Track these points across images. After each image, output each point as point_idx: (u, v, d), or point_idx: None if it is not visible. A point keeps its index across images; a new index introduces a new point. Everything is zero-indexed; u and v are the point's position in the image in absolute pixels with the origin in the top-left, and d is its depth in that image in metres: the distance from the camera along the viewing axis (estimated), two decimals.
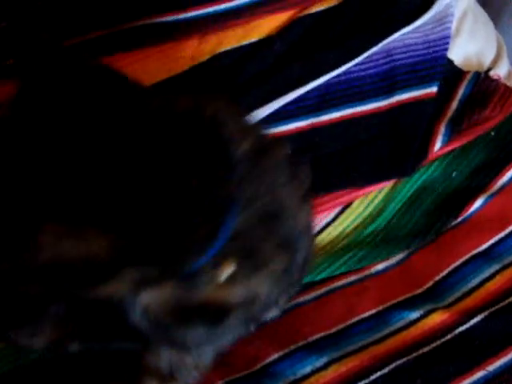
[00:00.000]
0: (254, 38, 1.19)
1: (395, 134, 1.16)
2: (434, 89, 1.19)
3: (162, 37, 1.14)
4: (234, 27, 1.19)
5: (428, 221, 1.10)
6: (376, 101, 1.18)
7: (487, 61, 1.28)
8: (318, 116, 1.15)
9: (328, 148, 1.13)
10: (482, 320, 0.98)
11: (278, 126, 1.12)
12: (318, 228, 1.09)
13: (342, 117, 1.16)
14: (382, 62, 1.21)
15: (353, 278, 1.05)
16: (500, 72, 1.28)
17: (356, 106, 1.17)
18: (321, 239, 1.08)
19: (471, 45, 1.28)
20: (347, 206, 1.11)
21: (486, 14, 1.39)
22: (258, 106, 1.12)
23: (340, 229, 1.10)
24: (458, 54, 1.26)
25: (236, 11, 1.19)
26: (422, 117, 1.17)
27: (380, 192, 1.12)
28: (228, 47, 1.17)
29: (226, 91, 1.14)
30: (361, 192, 1.11)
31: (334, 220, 1.10)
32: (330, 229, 1.09)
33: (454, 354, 0.95)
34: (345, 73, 1.18)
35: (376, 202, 1.11)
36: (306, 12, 1.23)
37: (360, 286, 1.03)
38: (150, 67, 1.13)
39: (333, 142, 1.14)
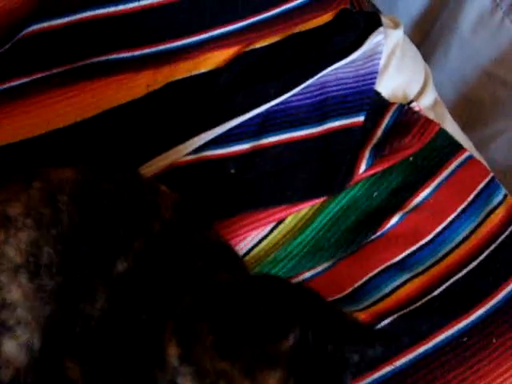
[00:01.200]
0: (203, 70, 1.29)
1: (326, 157, 1.26)
2: (362, 118, 1.30)
3: (121, 68, 1.23)
4: (185, 61, 1.28)
5: (351, 234, 1.20)
6: (310, 127, 1.28)
7: (412, 93, 1.40)
8: (258, 140, 1.25)
9: (267, 168, 1.23)
10: (392, 321, 1.10)
11: (223, 147, 1.23)
12: (253, 242, 1.18)
13: (279, 140, 1.26)
14: (316, 93, 1.31)
15: None
16: (425, 101, 1.40)
17: (292, 131, 1.27)
18: (255, 252, 1.18)
19: (398, 79, 1.39)
20: (281, 221, 1.21)
21: (414, 48, 1.51)
22: (205, 130, 1.22)
23: (273, 241, 1.20)
24: (386, 87, 1.37)
25: (187, 48, 1.28)
26: (350, 143, 1.27)
27: (310, 208, 1.22)
28: (180, 77, 1.27)
29: (177, 116, 1.24)
30: (294, 208, 1.21)
31: (268, 235, 1.20)
32: (264, 242, 1.20)
33: None
34: (283, 102, 1.28)
35: (306, 216, 1.22)
36: (250, 47, 1.34)
37: None
38: (110, 93, 1.23)
39: (271, 162, 1.24)
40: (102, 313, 0.98)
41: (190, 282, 0.97)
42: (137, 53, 1.24)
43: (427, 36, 1.75)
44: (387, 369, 1.06)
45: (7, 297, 0.96)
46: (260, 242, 1.19)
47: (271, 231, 1.21)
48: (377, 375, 1.06)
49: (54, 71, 1.19)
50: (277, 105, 1.28)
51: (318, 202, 1.23)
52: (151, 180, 1.17)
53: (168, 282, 0.98)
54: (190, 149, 1.22)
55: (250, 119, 1.26)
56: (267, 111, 1.27)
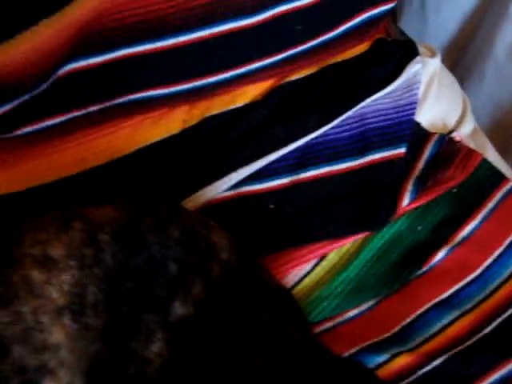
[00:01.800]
0: (239, 104, 1.28)
1: (367, 191, 1.23)
2: (403, 150, 1.27)
3: (157, 105, 1.22)
4: (222, 95, 1.27)
5: (395, 271, 1.17)
6: (350, 160, 1.26)
7: (452, 122, 1.37)
8: (297, 174, 1.23)
9: (307, 203, 1.21)
10: (443, 362, 1.06)
11: (261, 183, 1.21)
12: (295, 279, 1.15)
13: (319, 174, 1.24)
14: (355, 125, 1.29)
15: (327, 325, 1.12)
16: (465, 130, 1.37)
17: (332, 165, 1.25)
18: (298, 290, 1.15)
19: (437, 108, 1.37)
20: (323, 258, 1.18)
21: (451, 76, 1.49)
22: (243, 165, 1.21)
23: (316, 279, 1.17)
24: (425, 117, 1.34)
25: (223, 82, 1.26)
26: (392, 175, 1.24)
27: (353, 244, 1.19)
28: (216, 111, 1.26)
29: (214, 151, 1.23)
30: (336, 244, 1.18)
31: (311, 271, 1.18)
32: (307, 280, 1.16)
33: None
34: (321, 135, 1.27)
35: (348, 253, 1.19)
36: (286, 80, 1.32)
37: (334, 333, 1.10)
38: (146, 130, 1.22)
39: (311, 197, 1.21)
40: (162, 360, 0.95)
41: (258, 339, 0.94)
42: (173, 89, 1.22)
43: (459, 62, 1.72)
44: None
45: (49, 338, 0.94)
46: (302, 279, 1.16)
47: (314, 268, 1.17)
48: None
49: (90, 109, 1.17)
50: (315, 138, 1.26)
51: (360, 236, 1.20)
52: (198, 213, 1.16)
53: (234, 337, 0.95)
54: (228, 185, 1.20)
55: (289, 153, 1.24)
56: (306, 145, 1.25)
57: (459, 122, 1.36)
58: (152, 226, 1.00)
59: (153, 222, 1.00)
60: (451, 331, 1.11)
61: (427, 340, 1.10)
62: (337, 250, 1.18)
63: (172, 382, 0.96)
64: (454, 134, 1.33)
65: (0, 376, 0.93)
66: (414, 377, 1.04)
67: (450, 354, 1.07)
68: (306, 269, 1.17)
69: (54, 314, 0.94)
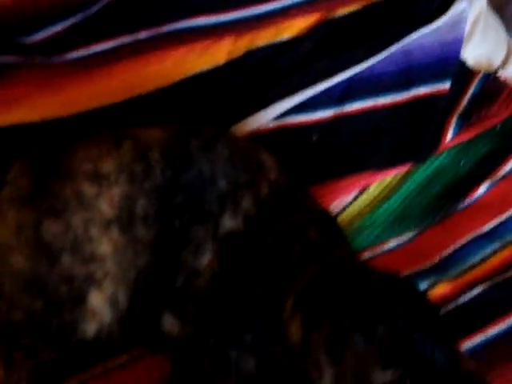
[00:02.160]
0: (285, 37, 1.28)
1: (411, 124, 1.24)
2: (447, 85, 1.28)
3: (203, 35, 1.21)
4: (267, 27, 1.27)
5: (437, 203, 1.19)
6: (395, 94, 1.26)
7: (496, 62, 1.36)
8: (342, 106, 1.24)
9: (350, 135, 1.22)
10: (483, 291, 1.07)
11: (305, 114, 1.22)
12: (337, 210, 1.18)
13: (363, 107, 1.25)
14: (401, 60, 1.29)
15: (367, 255, 1.13)
16: (510, 70, 1.37)
17: (377, 98, 1.26)
18: (339, 220, 1.17)
19: (482, 47, 1.36)
20: (365, 189, 1.20)
21: (497, 20, 1.47)
22: (286, 96, 1.21)
23: (357, 210, 1.19)
24: (470, 55, 1.34)
25: (269, 14, 1.26)
26: (436, 110, 1.25)
27: (395, 177, 1.21)
28: (261, 44, 1.26)
29: (259, 82, 1.23)
30: (378, 176, 1.20)
31: (352, 202, 1.20)
32: (348, 210, 1.19)
33: (456, 320, 1.04)
34: (367, 69, 1.26)
35: (390, 185, 1.21)
36: (333, 15, 1.31)
37: (374, 263, 1.11)
38: (192, 60, 1.22)
39: (355, 129, 1.23)
40: (212, 273, 0.97)
41: (307, 255, 0.96)
42: (220, 18, 1.23)
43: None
44: (479, 337, 1.01)
45: (97, 250, 0.97)
46: (344, 209, 1.18)
47: (355, 199, 1.19)
48: (468, 343, 1.01)
49: (139, 36, 1.17)
50: (361, 71, 1.26)
51: (402, 170, 1.21)
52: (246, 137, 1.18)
53: (283, 251, 0.97)
54: (272, 115, 1.21)
55: (334, 86, 1.24)
56: (351, 78, 1.26)
57: (504, 63, 1.36)
58: (200, 146, 1.02)
59: (201, 142, 1.02)
60: (491, 262, 1.12)
61: (467, 270, 1.11)
62: (378, 182, 1.20)
63: (221, 295, 0.98)
64: (499, 73, 1.33)
65: (49, 284, 0.96)
66: (454, 305, 1.05)
67: (489, 283, 1.08)
68: (348, 200, 1.19)
69: (103, 226, 0.97)
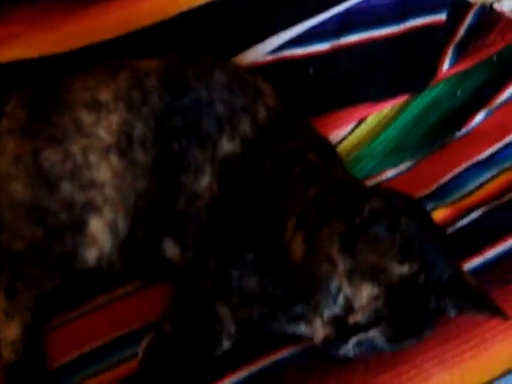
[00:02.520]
0: None
1: (408, 55, 1.24)
2: (443, 16, 1.28)
3: None
4: None
5: (434, 133, 1.20)
6: (391, 26, 1.26)
7: None
8: (338, 39, 1.24)
9: (347, 67, 1.23)
10: (480, 215, 1.07)
11: (302, 47, 1.22)
12: (335, 141, 1.18)
13: (360, 40, 1.25)
14: None
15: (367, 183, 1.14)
16: (506, 5, 1.36)
17: (373, 30, 1.26)
18: (338, 150, 1.15)
19: None
20: (362, 121, 1.21)
21: None
22: (283, 29, 1.21)
23: (356, 140, 1.20)
24: None
25: None
26: (432, 40, 1.25)
27: (392, 108, 1.21)
28: None
29: (255, 15, 1.23)
30: (376, 107, 1.21)
31: (350, 133, 1.20)
32: (345, 142, 1.20)
33: (455, 243, 1.01)
34: (363, 1, 1.26)
35: (388, 116, 1.21)
36: None
37: None
38: None
39: (351, 62, 1.23)
40: (211, 194, 0.99)
41: (307, 176, 0.97)
42: None
43: None
44: (478, 259, 1.01)
45: (96, 176, 0.98)
46: (342, 140, 1.19)
47: (353, 130, 1.20)
48: (467, 265, 1.00)
49: None
50: (357, 3, 1.26)
51: (399, 101, 1.22)
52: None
53: (282, 174, 0.98)
54: (269, 48, 1.21)
55: (330, 18, 1.24)
56: (347, 10, 1.26)
57: None
58: (196, 72, 1.02)
59: (197, 69, 1.03)
60: (489, 188, 1.12)
61: (465, 196, 1.12)
62: (376, 114, 1.21)
63: (221, 217, 0.98)
64: (494, 5, 1.33)
65: (49, 212, 0.97)
66: (453, 229, 1.06)
67: (487, 208, 1.09)
68: (346, 131, 1.20)
69: (101, 152, 0.98)
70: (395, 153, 1.17)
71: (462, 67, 1.24)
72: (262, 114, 0.99)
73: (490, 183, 1.13)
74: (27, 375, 0.94)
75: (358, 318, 0.81)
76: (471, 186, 1.13)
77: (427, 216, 0.92)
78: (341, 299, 0.82)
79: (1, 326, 0.97)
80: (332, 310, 0.82)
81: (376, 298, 0.80)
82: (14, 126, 1.00)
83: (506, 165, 1.15)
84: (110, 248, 1.00)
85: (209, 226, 0.97)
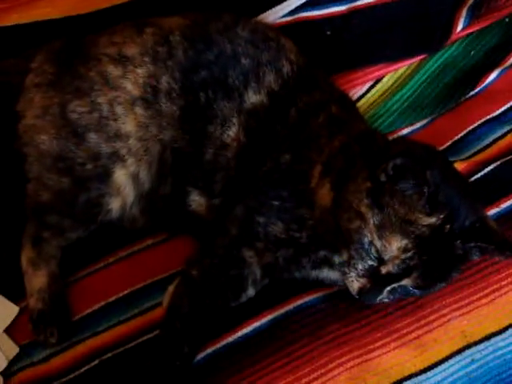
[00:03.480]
0: None
1: (423, 17, 1.25)
2: None
3: None
4: None
5: (449, 91, 1.21)
6: None
7: None
8: (355, 1, 1.24)
9: (363, 29, 1.23)
10: (494, 168, 1.10)
11: (318, 9, 1.23)
12: (353, 98, 1.18)
13: (375, 1, 1.25)
14: None
15: None
16: None
17: None
18: None
19: None
20: (378, 80, 1.22)
21: None
22: None
23: (372, 99, 1.22)
24: None
25: None
26: (447, 2, 1.26)
27: (408, 68, 1.23)
28: None
29: None
30: (392, 67, 1.22)
31: (366, 93, 1.22)
32: (362, 100, 1.21)
33: None
34: None
35: (404, 75, 1.23)
36: None
37: None
38: None
39: (368, 23, 1.24)
40: (239, 144, 1.00)
41: (331, 127, 0.98)
42: None
43: None
44: (493, 211, 1.04)
45: (122, 127, 1.00)
46: (359, 99, 1.21)
47: (369, 89, 1.22)
48: None
49: None
50: None
51: (415, 61, 1.23)
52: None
53: (306, 123, 0.99)
54: (287, 10, 1.22)
55: None
56: None
57: None
58: (220, 28, 1.04)
59: (220, 25, 1.04)
60: (502, 143, 1.15)
61: (479, 151, 1.14)
62: (392, 74, 1.22)
63: (249, 165, 1.00)
64: None
65: (75, 162, 0.99)
66: None
67: (500, 162, 1.11)
68: (362, 90, 1.21)
69: (127, 104, 0.99)
70: (411, 111, 1.19)
71: (475, 28, 1.26)
72: (285, 67, 1.01)
73: (504, 139, 1.15)
74: (53, 323, 0.97)
75: (389, 268, 0.84)
76: (485, 141, 1.15)
77: (450, 165, 0.94)
78: (373, 252, 0.85)
79: (28, 274, 1.00)
80: (365, 262, 0.86)
81: (405, 249, 0.83)
82: (40, 80, 1.01)
83: None
84: (133, 199, 1.02)
85: (236, 173, 0.99)
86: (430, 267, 0.83)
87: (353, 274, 0.86)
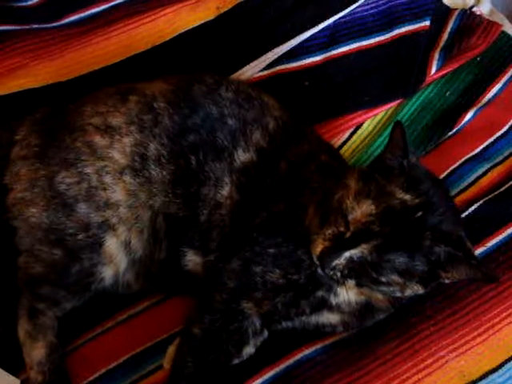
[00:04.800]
0: None
1: (397, 62, 1.29)
2: (427, 23, 1.33)
3: None
4: None
5: (427, 133, 1.23)
6: (378, 35, 1.31)
7: (470, 1, 1.42)
8: (329, 51, 1.28)
9: (340, 78, 1.26)
10: (478, 207, 1.12)
11: (295, 61, 1.26)
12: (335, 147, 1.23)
13: (349, 50, 1.29)
14: (381, 2, 1.34)
15: None
16: (483, 8, 1.42)
17: (361, 40, 1.30)
18: None
19: None
20: (358, 127, 1.24)
21: None
22: (277, 45, 1.26)
23: (353, 146, 1.24)
24: None
25: None
26: (419, 46, 1.30)
27: (385, 113, 1.25)
28: None
29: (248, 34, 1.28)
30: (371, 113, 1.24)
31: (348, 140, 1.24)
32: (345, 147, 1.24)
33: None
34: (350, 13, 1.31)
35: (382, 121, 1.25)
36: None
37: None
38: (183, 17, 1.27)
39: (344, 72, 1.27)
40: (232, 201, 1.02)
41: (322, 173, 1.01)
42: None
43: None
44: (480, 250, 1.06)
45: (111, 196, 1.02)
46: (341, 147, 1.23)
47: (350, 136, 1.24)
48: None
49: None
50: (344, 16, 1.31)
51: (392, 105, 1.26)
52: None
53: (297, 173, 1.02)
54: (264, 64, 1.26)
55: (319, 32, 1.29)
56: (335, 23, 1.31)
57: (477, 1, 1.41)
58: (203, 91, 1.06)
59: (203, 88, 1.07)
60: (483, 182, 1.17)
61: (461, 191, 1.16)
62: (371, 120, 1.25)
63: (242, 218, 1.02)
64: (474, 9, 1.38)
65: (66, 233, 1.00)
66: None
67: (483, 200, 1.13)
68: (344, 138, 1.23)
69: (116, 173, 1.01)
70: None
71: (448, 69, 1.28)
72: (271, 123, 1.04)
73: (485, 177, 1.18)
74: None
75: (351, 229, 0.86)
76: (466, 181, 1.18)
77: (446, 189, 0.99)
78: (344, 216, 0.88)
79: (26, 347, 1.00)
80: (334, 228, 0.88)
81: (370, 214, 0.85)
82: (26, 153, 1.03)
83: (497, 159, 1.20)
84: (126, 266, 1.03)
85: (231, 228, 1.01)
86: (390, 242, 0.85)
87: (320, 239, 0.88)
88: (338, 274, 0.88)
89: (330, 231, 0.88)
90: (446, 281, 0.89)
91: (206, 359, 0.95)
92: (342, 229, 0.87)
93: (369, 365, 0.97)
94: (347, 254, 0.86)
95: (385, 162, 0.89)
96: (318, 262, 0.89)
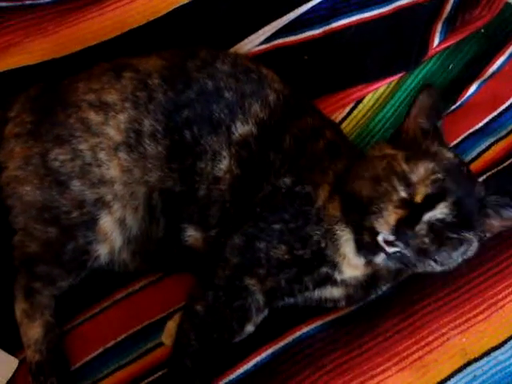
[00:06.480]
0: None
1: (399, 35, 1.27)
2: None
3: None
4: None
5: None
6: (379, 7, 1.29)
7: None
8: (329, 24, 1.27)
9: (340, 51, 1.24)
10: (483, 181, 1.10)
11: (294, 34, 1.25)
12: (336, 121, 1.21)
13: (350, 22, 1.27)
14: None
15: None
16: None
17: (362, 13, 1.28)
18: None
19: None
20: (359, 101, 1.23)
21: None
22: (275, 18, 1.24)
23: (354, 121, 1.22)
24: None
25: None
26: (421, 18, 1.28)
27: (387, 87, 1.24)
28: None
29: (246, 6, 1.26)
30: (371, 87, 1.23)
31: (348, 114, 1.22)
32: (345, 122, 1.22)
33: None
34: None
35: (384, 94, 1.23)
36: None
37: None
38: None
39: (344, 45, 1.25)
40: (232, 175, 1.01)
41: (330, 151, 1.00)
42: None
43: None
44: None
45: (106, 173, 1.01)
46: (341, 122, 1.21)
47: (351, 111, 1.22)
48: None
49: None
50: None
51: (394, 79, 1.24)
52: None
53: (303, 147, 1.01)
54: (263, 38, 1.24)
55: (319, 4, 1.27)
56: None
57: None
58: (198, 66, 1.05)
59: (198, 62, 1.05)
60: (487, 156, 1.16)
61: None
62: (372, 94, 1.23)
63: (244, 192, 1.00)
64: None
65: (60, 211, 1.00)
66: None
67: (487, 175, 1.12)
68: (344, 112, 1.21)
69: (110, 150, 1.01)
70: (393, 129, 1.16)
71: (451, 41, 1.26)
72: (271, 96, 1.02)
73: (488, 151, 1.16)
74: (52, 374, 0.98)
75: (422, 191, 0.86)
76: (471, 154, 1.17)
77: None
78: (402, 182, 0.87)
79: (23, 326, 1.01)
80: (397, 195, 0.87)
81: (433, 171, 0.86)
82: (19, 130, 1.02)
83: (501, 133, 1.18)
84: (121, 244, 1.03)
85: (231, 204, 1.00)
86: (462, 198, 0.85)
87: (390, 207, 0.86)
88: (425, 240, 0.85)
89: (395, 197, 0.86)
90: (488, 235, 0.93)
91: (209, 336, 0.95)
92: (406, 195, 0.86)
93: (369, 342, 0.96)
94: (427, 217, 0.85)
95: (417, 125, 0.91)
96: (392, 235, 0.85)
